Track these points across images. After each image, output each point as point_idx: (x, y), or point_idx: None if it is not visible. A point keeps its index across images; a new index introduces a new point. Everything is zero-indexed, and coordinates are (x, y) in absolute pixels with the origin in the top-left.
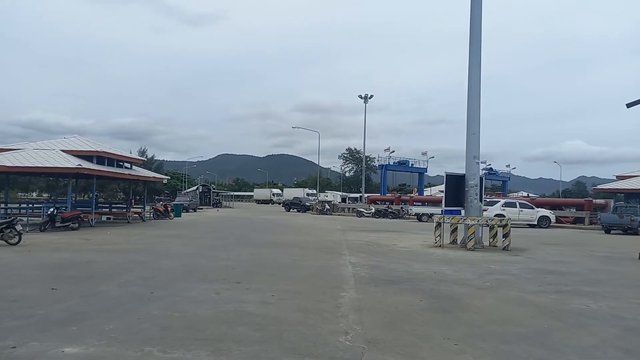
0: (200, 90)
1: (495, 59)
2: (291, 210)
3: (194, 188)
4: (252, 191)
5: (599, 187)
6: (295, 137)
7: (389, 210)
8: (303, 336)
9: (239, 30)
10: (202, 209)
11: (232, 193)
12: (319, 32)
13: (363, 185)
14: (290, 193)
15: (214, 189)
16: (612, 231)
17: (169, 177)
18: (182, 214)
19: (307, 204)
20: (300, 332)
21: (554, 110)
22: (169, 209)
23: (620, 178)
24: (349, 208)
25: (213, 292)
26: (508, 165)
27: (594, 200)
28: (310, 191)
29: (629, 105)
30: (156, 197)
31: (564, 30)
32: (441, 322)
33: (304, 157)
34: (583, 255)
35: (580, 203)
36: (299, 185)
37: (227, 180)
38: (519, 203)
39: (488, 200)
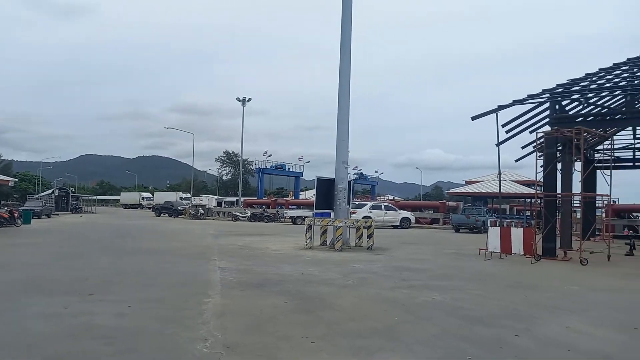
0: (65, 87)
1: (366, 73)
2: (162, 215)
3: (49, 192)
4: (120, 195)
5: (451, 191)
6: (169, 139)
7: (265, 213)
8: (159, 346)
9: (113, 24)
10: (57, 214)
11: (95, 197)
12: (200, 33)
13: (240, 189)
14: (161, 197)
15: (73, 192)
16: (460, 230)
17: (17, 180)
18: (34, 220)
19: (179, 208)
20: (156, 342)
21: (417, 121)
22: (16, 215)
23: (469, 183)
24: (224, 212)
25: (61, 306)
26: (377, 171)
27: (447, 202)
28: (184, 195)
29: (473, 118)
30: (2, 202)
31: (423, 50)
32: (304, 322)
33: (179, 160)
34: (435, 252)
35: (436, 205)
36: (172, 188)
37: (91, 183)
38: (384, 206)
39: (357, 203)
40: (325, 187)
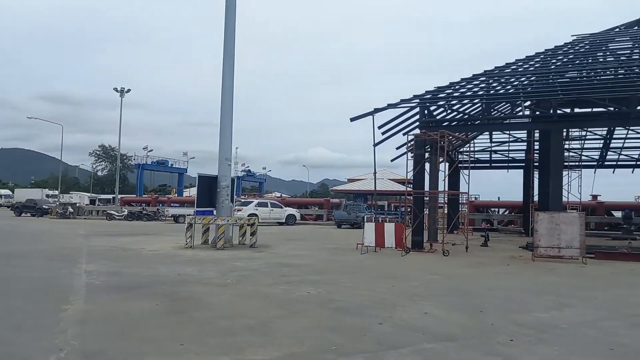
0: None
1: (251, 73)
2: (23, 214)
3: None
4: None
5: (335, 188)
6: (35, 130)
7: (144, 212)
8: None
9: None
10: None
11: None
12: (78, 16)
13: (117, 186)
14: (23, 194)
15: None
16: (342, 226)
17: None
18: None
19: (44, 206)
20: (2, 355)
21: (304, 120)
22: None
23: (351, 181)
24: (98, 211)
25: None
26: (264, 168)
27: (331, 199)
28: (51, 192)
29: (352, 119)
30: None
31: (307, 55)
32: (174, 323)
33: (45, 153)
34: (317, 248)
35: (321, 202)
36: (37, 185)
37: None
38: (270, 203)
39: (244, 200)
40: (208, 185)
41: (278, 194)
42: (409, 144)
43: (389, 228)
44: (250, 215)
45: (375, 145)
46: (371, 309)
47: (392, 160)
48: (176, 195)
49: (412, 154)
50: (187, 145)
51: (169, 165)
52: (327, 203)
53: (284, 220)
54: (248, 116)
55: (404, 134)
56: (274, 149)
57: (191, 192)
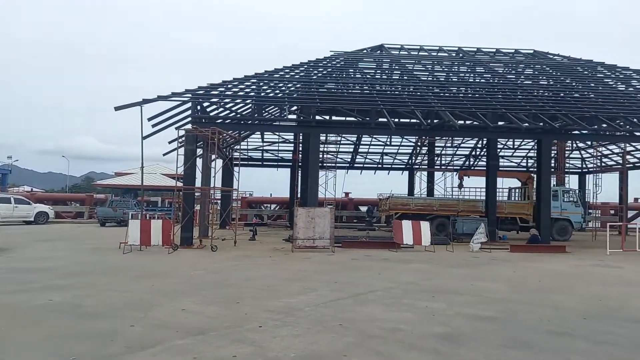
0: None
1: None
2: None
3: None
4: None
5: (99, 182)
6: None
7: None
8: None
9: None
10: None
11: None
12: None
13: None
14: None
15: None
16: (107, 224)
17: None
18: None
19: None
20: None
21: (68, 105)
22: None
23: (119, 175)
24: None
25: None
26: (10, 157)
27: (95, 195)
28: None
29: (117, 109)
30: None
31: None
32: None
33: None
34: (72, 249)
35: (82, 198)
36: None
37: None
38: (15, 199)
39: None
40: None
41: (28, 188)
42: (180, 139)
43: (156, 225)
44: None
45: (144, 138)
46: (125, 311)
47: (164, 155)
48: None
49: (184, 149)
50: None
51: None
52: (89, 199)
53: (32, 219)
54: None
55: (176, 128)
56: (29, 135)
57: None
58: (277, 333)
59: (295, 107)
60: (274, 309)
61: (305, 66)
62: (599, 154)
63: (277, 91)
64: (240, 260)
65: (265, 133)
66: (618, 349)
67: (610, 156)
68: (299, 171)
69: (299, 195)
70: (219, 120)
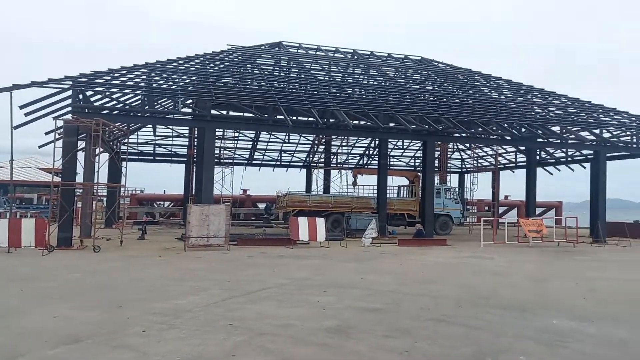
0: None
1: None
2: None
3: None
4: None
5: None
6: None
7: None
8: None
9: None
10: None
11: None
12: None
13: None
14: None
15: None
16: None
17: None
18: None
19: None
20: None
21: None
22: None
23: None
24: None
25: None
26: None
27: None
28: None
29: None
30: None
31: None
32: None
33: None
34: None
35: None
36: None
37: None
38: None
39: None
40: None
41: None
42: (59, 130)
43: (27, 224)
44: None
45: (14, 128)
46: None
47: (40, 147)
48: None
49: (62, 141)
50: None
51: None
52: None
53: None
54: None
55: (54, 118)
56: None
57: None
58: (163, 336)
59: (190, 101)
60: (160, 311)
61: (201, 59)
62: (476, 155)
63: (171, 83)
64: (126, 261)
65: (157, 126)
66: (486, 333)
67: (485, 157)
68: (194, 167)
69: (193, 192)
70: (105, 111)
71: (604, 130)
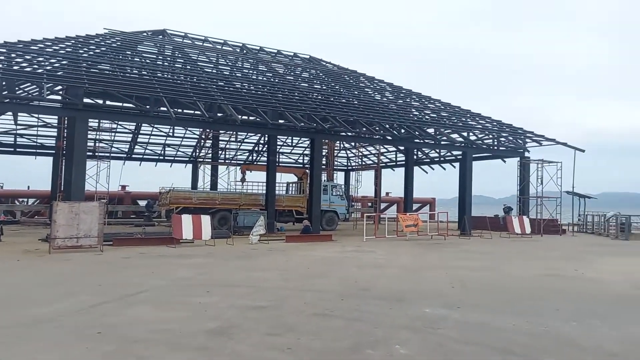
0: None
1: None
2: None
3: None
4: None
5: None
6: None
7: None
8: None
9: None
10: None
11: None
12: None
13: None
14: None
15: None
16: None
17: None
18: None
19: None
20: None
21: None
22: None
23: None
24: None
25: None
26: None
27: None
28: None
29: None
30: None
31: None
32: None
33: None
34: None
35: None
36: None
37: None
38: None
39: None
40: None
41: None
42: None
43: None
44: None
45: None
46: None
47: None
48: None
49: None
50: None
51: None
52: None
53: None
54: None
55: None
56: None
57: None
58: (15, 351)
59: (59, 87)
60: (14, 322)
61: (73, 41)
62: (360, 153)
63: (36, 66)
64: None
65: (19, 114)
66: (365, 325)
67: (368, 156)
68: (64, 160)
69: (62, 188)
70: None
71: (470, 133)
